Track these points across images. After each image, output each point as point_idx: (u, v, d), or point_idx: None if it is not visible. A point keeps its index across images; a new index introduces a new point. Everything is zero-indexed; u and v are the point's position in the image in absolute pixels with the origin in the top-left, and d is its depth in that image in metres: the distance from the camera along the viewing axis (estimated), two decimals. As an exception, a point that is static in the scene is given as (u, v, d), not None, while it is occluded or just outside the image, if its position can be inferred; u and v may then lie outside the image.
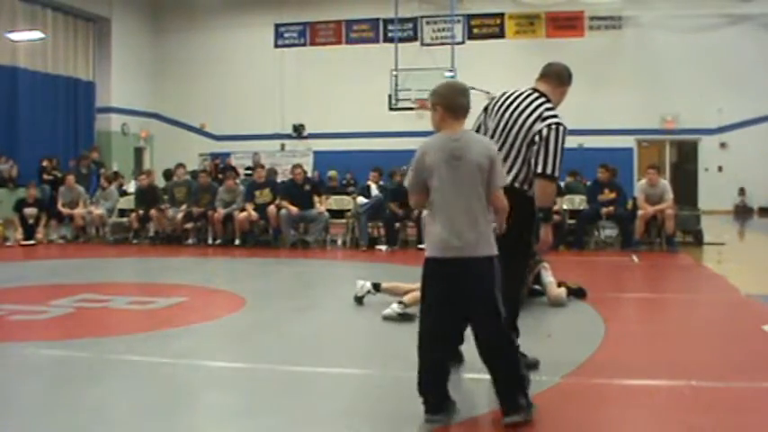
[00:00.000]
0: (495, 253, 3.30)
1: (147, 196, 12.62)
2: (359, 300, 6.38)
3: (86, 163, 16.92)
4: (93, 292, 7.10)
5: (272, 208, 11.51)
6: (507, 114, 4.05)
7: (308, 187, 11.58)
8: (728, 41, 19.82)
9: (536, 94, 4.08)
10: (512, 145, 4.00)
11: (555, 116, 3.99)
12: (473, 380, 4.16)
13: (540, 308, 6.18)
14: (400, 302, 5.78)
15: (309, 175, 16.71)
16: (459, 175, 3.26)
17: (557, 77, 4.18)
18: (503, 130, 4.04)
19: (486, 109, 4.25)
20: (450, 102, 3.35)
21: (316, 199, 11.57)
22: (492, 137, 4.03)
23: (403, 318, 5.62)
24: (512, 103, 4.08)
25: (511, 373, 3.31)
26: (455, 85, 3.53)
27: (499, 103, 4.13)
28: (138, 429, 3.36)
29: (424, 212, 11.18)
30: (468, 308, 3.30)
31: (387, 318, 5.68)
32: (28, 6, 19.35)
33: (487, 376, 3.96)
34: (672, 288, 8.12)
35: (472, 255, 3.24)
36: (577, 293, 6.51)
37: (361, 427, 3.41)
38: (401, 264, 9.56)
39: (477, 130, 4.21)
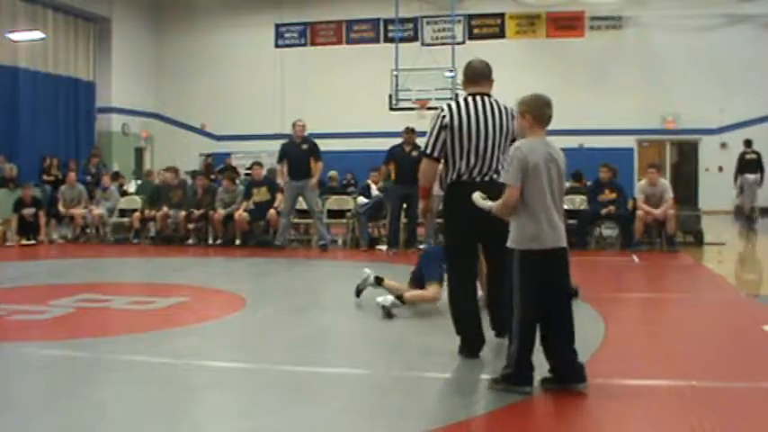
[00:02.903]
0: None
1: (161, 194, 12.65)
2: (359, 292, 6.38)
3: (95, 162, 16.98)
4: (94, 291, 7.10)
5: (272, 212, 11.52)
6: (491, 125, 4.43)
7: (305, 146, 11.36)
8: (729, 41, 19.79)
9: (490, 98, 4.52)
10: (502, 150, 4.45)
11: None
12: (473, 380, 4.17)
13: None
14: (399, 298, 5.82)
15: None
16: (553, 175, 3.76)
17: (487, 76, 4.59)
18: (494, 139, 4.44)
19: (447, 127, 4.45)
20: (540, 112, 3.81)
21: (312, 165, 11.25)
22: (475, 151, 4.40)
23: (386, 312, 5.70)
24: (485, 115, 4.44)
25: (575, 350, 3.77)
26: (542, 97, 3.87)
27: (474, 121, 4.43)
28: (139, 429, 3.36)
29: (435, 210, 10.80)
30: (559, 291, 3.78)
31: (378, 304, 5.78)
32: (28, 6, 19.32)
33: (486, 375, 3.97)
34: (672, 288, 8.11)
35: (563, 245, 3.79)
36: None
37: (361, 426, 3.41)
38: (402, 264, 9.56)
39: (442, 148, 4.47)
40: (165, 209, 12.28)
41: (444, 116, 4.45)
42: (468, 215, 4.17)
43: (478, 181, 4.37)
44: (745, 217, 16.39)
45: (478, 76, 4.58)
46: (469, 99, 4.49)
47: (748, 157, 17.33)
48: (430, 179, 4.69)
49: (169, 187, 12.76)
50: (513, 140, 4.47)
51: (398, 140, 11.31)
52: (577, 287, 6.57)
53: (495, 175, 4.43)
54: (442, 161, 4.55)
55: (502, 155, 4.45)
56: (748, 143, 17.58)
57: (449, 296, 4.66)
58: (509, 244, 3.81)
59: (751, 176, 17.11)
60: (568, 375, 3.75)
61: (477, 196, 4.04)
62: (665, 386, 3.93)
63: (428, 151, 4.51)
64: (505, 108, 4.52)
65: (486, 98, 4.48)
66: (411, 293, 5.95)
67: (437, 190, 4.79)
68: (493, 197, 3.98)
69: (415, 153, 10.93)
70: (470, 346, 4.49)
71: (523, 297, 3.72)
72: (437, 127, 4.46)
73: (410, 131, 11.18)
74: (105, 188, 13.51)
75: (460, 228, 4.47)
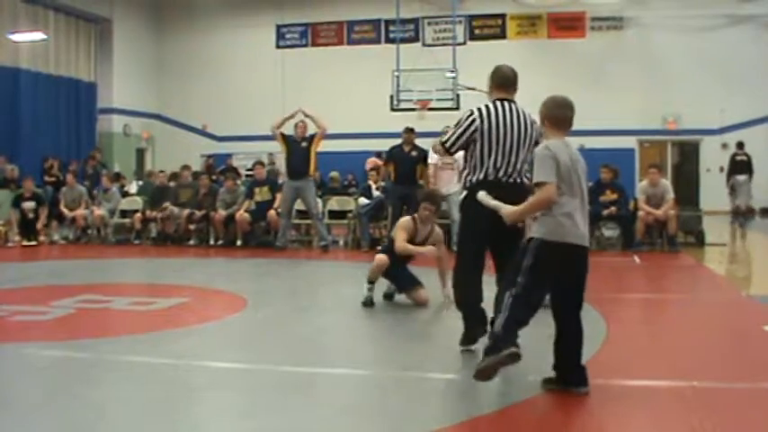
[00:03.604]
0: None
1: (162, 195, 12.66)
2: (389, 296, 6.61)
3: (93, 164, 16.96)
4: (95, 292, 7.10)
5: (272, 213, 11.52)
6: (516, 129, 4.54)
7: (305, 144, 11.40)
8: (730, 42, 19.77)
9: (515, 104, 4.63)
10: (526, 154, 4.57)
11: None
12: (475, 381, 4.16)
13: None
14: (370, 283, 6.24)
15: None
16: (578, 175, 3.75)
17: (513, 83, 4.69)
18: (519, 143, 4.54)
19: (477, 130, 4.57)
20: (555, 113, 3.83)
21: (312, 165, 11.42)
22: (502, 153, 4.52)
23: (366, 303, 6.16)
24: (511, 119, 4.56)
25: (580, 353, 3.77)
26: (558, 99, 3.89)
27: (501, 124, 4.54)
28: (139, 430, 3.36)
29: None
30: (572, 290, 3.77)
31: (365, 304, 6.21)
32: (29, 7, 19.33)
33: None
34: (673, 288, 8.11)
35: (585, 244, 3.79)
36: None
37: (362, 427, 3.41)
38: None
39: (462, 145, 4.61)
40: (167, 204, 12.30)
41: (474, 119, 4.57)
42: (487, 211, 4.20)
43: (504, 182, 4.49)
44: (743, 217, 16.68)
45: (507, 82, 4.70)
46: (497, 104, 4.62)
47: (738, 158, 18.03)
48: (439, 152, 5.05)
49: (179, 185, 12.84)
50: (537, 145, 4.64)
51: (400, 141, 11.31)
52: None
53: (518, 179, 4.57)
54: (466, 161, 4.68)
55: (525, 159, 4.62)
56: (740, 145, 18.16)
57: (453, 282, 4.75)
58: (531, 234, 3.80)
59: (741, 177, 17.87)
60: (571, 378, 3.75)
61: (483, 195, 4.11)
62: (666, 387, 3.93)
63: (447, 144, 4.68)
64: (528, 114, 4.66)
65: (511, 104, 4.63)
66: (369, 270, 6.34)
67: (454, 189, 4.96)
68: (516, 200, 4.02)
69: (414, 153, 10.93)
70: (471, 332, 4.59)
71: (527, 279, 3.65)
72: (463, 127, 4.60)
73: (409, 131, 11.14)
74: (106, 189, 13.51)
75: (477, 221, 4.52)
